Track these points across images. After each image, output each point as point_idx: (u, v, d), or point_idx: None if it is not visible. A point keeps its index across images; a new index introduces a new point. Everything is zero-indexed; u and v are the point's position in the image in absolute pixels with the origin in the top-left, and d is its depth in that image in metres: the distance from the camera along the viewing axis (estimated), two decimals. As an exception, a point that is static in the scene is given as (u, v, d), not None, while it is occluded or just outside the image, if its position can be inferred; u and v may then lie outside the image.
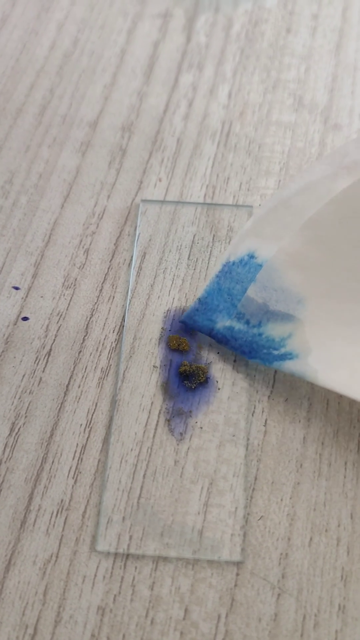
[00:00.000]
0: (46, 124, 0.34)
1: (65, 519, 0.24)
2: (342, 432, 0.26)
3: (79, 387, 0.27)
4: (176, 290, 0.29)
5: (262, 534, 0.24)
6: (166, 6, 0.38)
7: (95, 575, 0.23)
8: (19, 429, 0.26)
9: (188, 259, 0.30)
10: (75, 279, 0.29)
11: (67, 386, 0.27)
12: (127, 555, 0.24)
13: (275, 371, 0.27)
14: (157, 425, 0.26)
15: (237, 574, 0.23)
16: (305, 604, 0.23)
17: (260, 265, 0.27)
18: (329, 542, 0.24)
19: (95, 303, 0.29)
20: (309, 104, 0.35)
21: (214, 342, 0.28)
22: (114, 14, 0.38)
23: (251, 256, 0.27)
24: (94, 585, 0.23)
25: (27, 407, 0.26)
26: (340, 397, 0.27)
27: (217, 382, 0.27)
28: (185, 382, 0.27)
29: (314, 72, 0.36)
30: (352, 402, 0.27)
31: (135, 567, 0.23)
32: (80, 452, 0.25)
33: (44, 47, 0.37)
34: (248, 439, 0.26)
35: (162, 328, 0.28)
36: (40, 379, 0.27)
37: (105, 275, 0.29)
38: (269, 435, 0.26)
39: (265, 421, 0.26)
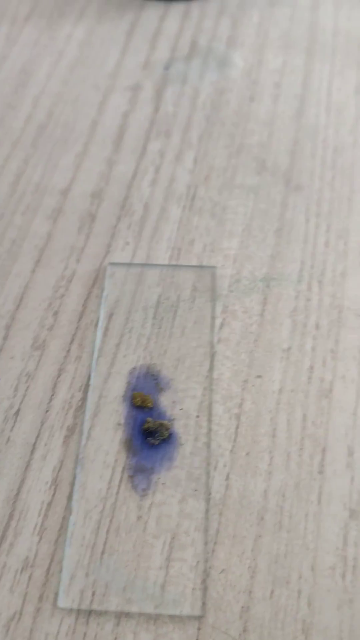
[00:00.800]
0: (20, 193, 0.35)
1: (30, 575, 0.25)
2: (303, 484, 0.27)
3: (45, 445, 0.27)
4: (142, 348, 0.30)
5: (223, 587, 0.24)
6: (136, 79, 0.40)
7: (58, 632, 0.24)
8: (-14, 488, 0.26)
9: (153, 318, 0.31)
10: (44, 340, 0.30)
11: (33, 445, 0.27)
12: (90, 612, 0.24)
13: (237, 425, 0.28)
14: (120, 481, 0.26)
15: (199, 629, 0.24)
16: (265, 657, 0.23)
17: None
18: (290, 594, 0.24)
19: (63, 363, 0.29)
20: (272, 166, 0.36)
21: (177, 398, 0.28)
22: (87, 88, 0.40)
23: None
24: (56, 643, 0.23)
25: (-5, 466, 0.27)
26: (301, 450, 0.27)
27: (179, 437, 0.27)
28: (148, 438, 0.27)
29: (276, 137, 0.38)
30: (312, 454, 0.27)
31: (98, 623, 0.24)
32: (46, 510, 0.26)
33: (20, 120, 0.38)
34: (210, 494, 0.26)
35: (127, 382, 0.29)
36: (8, 438, 0.27)
37: (73, 335, 0.30)
38: (230, 489, 0.26)
39: (227, 475, 0.27)
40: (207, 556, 0.25)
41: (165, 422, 0.27)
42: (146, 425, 0.27)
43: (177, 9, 0.45)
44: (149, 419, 0.27)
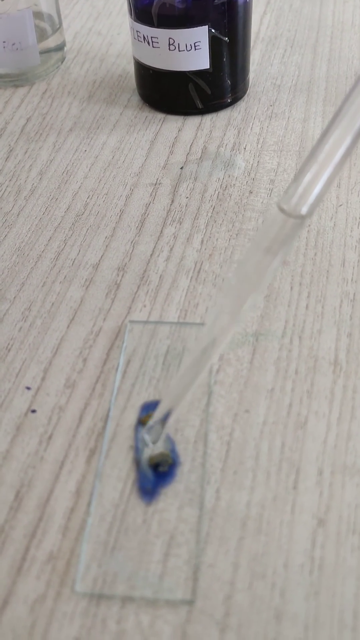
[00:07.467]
0: (59, 266, 0.40)
1: (53, 566, 0.28)
2: (279, 497, 0.30)
3: (71, 463, 0.31)
4: (152, 387, 0.34)
5: (211, 578, 0.28)
6: (157, 177, 0.46)
7: (75, 612, 0.27)
8: (22, 495, 0.30)
9: (163, 364, 0.35)
10: (75, 381, 0.34)
11: (62, 462, 0.31)
12: (101, 596, 0.27)
13: (227, 450, 0.31)
14: (130, 493, 0.30)
15: (189, 612, 0.27)
16: (244, 637, 0.26)
17: None
18: (265, 586, 0.27)
19: (89, 399, 0.34)
20: (264, 246, 0.41)
21: (179, 426, 0.32)
22: (116, 184, 0.46)
23: None
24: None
25: (30, 479, 0.31)
26: (279, 470, 0.31)
27: (179, 457, 0.31)
28: (157, 469, 0.31)
29: (269, 223, 0.43)
30: (288, 473, 0.31)
31: (107, 605, 0.27)
32: (69, 513, 0.30)
33: (62, 209, 0.44)
34: (202, 503, 0.30)
35: (139, 414, 0.33)
36: (42, 457, 0.32)
37: (98, 377, 0.35)
38: (219, 500, 0.30)
39: (218, 489, 0.30)
40: (198, 553, 0.28)
41: (166, 452, 0.31)
42: (152, 460, 0.31)
43: (192, 121, 0.51)
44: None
